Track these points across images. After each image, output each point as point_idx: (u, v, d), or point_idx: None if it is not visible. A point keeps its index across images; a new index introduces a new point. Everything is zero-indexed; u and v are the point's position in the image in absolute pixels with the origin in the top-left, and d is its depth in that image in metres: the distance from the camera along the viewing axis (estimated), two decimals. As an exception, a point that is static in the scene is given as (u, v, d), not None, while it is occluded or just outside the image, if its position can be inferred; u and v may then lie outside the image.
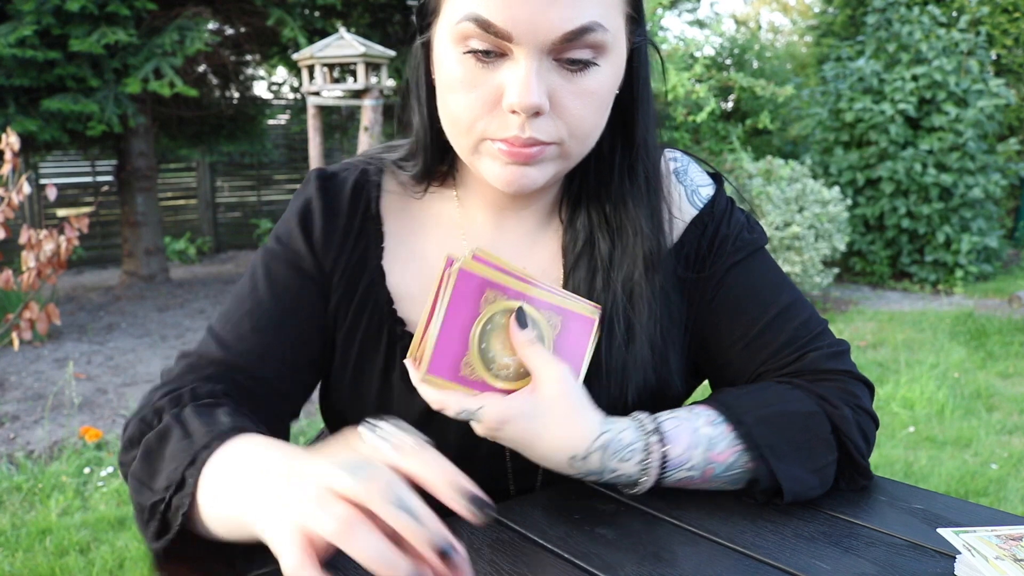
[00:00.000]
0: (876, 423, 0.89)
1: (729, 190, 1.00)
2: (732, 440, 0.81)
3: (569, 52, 0.75)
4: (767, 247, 1.00)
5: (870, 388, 0.91)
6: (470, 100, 0.77)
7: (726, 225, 0.92)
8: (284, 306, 0.88)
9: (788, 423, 0.82)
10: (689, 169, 0.95)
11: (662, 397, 0.89)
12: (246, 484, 0.63)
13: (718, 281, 0.91)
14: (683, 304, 0.91)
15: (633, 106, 0.86)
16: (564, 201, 0.93)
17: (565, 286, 0.89)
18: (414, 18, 0.85)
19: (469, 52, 0.76)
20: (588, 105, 0.78)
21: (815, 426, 0.83)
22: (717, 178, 0.98)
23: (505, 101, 0.75)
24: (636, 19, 0.82)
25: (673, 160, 0.95)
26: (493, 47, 0.75)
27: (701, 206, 0.93)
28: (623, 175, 0.89)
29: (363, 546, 0.51)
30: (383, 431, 0.60)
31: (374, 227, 0.91)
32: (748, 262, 0.92)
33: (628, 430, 0.80)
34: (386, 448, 0.58)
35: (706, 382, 0.99)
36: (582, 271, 0.89)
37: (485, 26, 0.73)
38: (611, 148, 0.88)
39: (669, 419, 0.82)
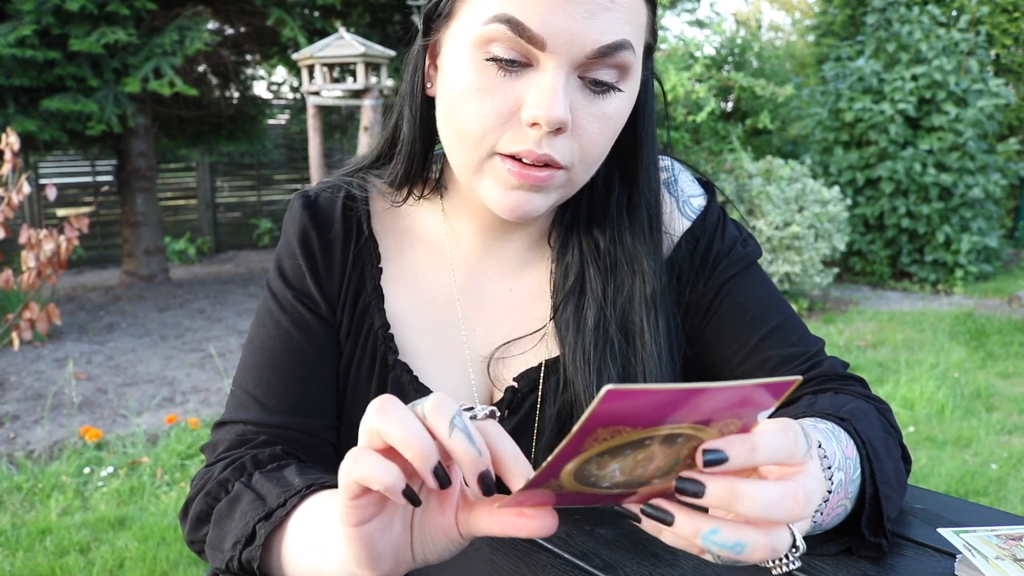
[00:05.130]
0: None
1: (729, 191, 0.98)
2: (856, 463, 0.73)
3: (595, 71, 0.72)
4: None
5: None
6: (484, 109, 0.72)
7: (719, 240, 0.90)
8: (309, 353, 0.85)
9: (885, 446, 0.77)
10: (680, 179, 0.92)
11: None
12: (328, 539, 0.62)
13: (713, 296, 0.89)
14: (679, 327, 0.89)
15: (635, 140, 0.83)
16: (554, 230, 0.89)
17: (553, 319, 0.86)
18: (416, 18, 0.82)
19: (491, 59, 0.71)
20: (603, 130, 0.75)
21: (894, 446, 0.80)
22: (708, 187, 0.94)
23: (526, 113, 0.71)
24: (649, 51, 0.80)
25: (663, 170, 0.92)
26: (519, 55, 0.71)
27: (693, 217, 0.90)
28: (620, 209, 0.86)
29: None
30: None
31: (370, 248, 0.88)
32: (744, 276, 0.89)
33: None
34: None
35: None
36: (571, 307, 0.85)
37: (518, 29, 0.69)
38: (607, 180, 0.85)
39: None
